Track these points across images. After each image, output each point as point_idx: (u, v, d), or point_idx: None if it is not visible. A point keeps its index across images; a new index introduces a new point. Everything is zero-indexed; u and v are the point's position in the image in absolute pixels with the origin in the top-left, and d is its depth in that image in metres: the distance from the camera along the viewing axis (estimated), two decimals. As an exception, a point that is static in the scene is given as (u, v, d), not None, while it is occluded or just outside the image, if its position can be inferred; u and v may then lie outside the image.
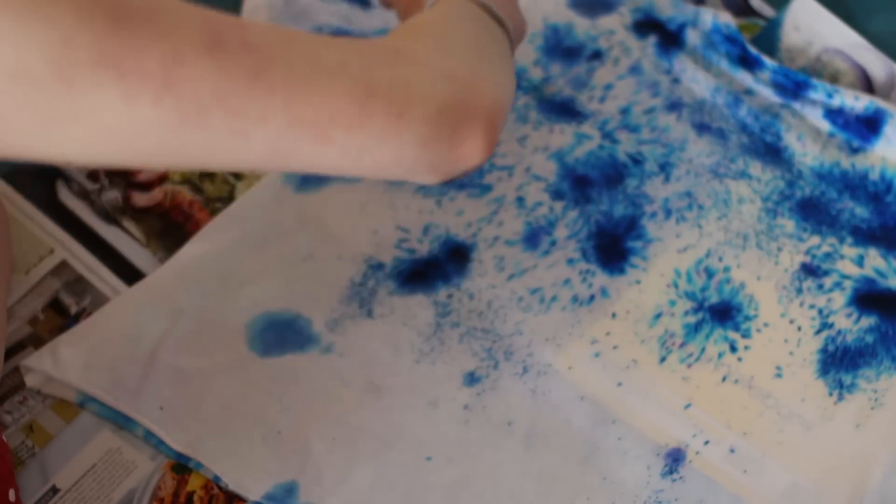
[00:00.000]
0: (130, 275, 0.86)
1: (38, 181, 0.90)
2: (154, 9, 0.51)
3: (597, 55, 0.98)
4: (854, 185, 0.92)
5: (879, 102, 0.94)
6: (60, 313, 0.84)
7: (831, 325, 0.86)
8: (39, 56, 0.49)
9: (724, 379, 0.83)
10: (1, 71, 0.48)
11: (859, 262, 0.89)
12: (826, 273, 0.88)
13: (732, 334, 0.85)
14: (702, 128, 0.94)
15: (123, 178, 0.91)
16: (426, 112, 0.58)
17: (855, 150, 0.94)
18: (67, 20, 0.49)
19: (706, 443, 0.81)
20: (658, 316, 0.85)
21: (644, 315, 0.85)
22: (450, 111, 0.59)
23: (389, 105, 0.57)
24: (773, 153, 0.94)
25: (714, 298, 0.86)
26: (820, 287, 0.87)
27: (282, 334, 0.83)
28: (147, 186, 0.90)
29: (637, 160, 0.92)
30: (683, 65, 0.97)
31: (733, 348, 0.84)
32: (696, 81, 0.96)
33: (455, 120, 0.59)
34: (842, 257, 0.89)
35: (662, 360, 0.84)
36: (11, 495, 0.73)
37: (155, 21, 0.51)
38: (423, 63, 0.60)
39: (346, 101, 0.55)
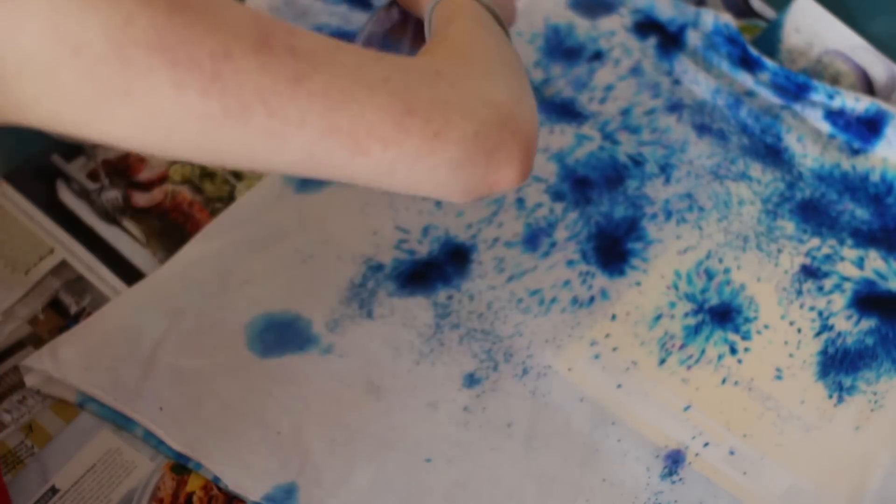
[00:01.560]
0: (130, 275, 0.86)
1: (38, 181, 0.90)
2: (209, 4, 0.54)
3: (597, 56, 0.98)
4: (854, 186, 0.92)
5: (880, 104, 0.94)
6: (60, 313, 0.84)
7: (831, 328, 0.86)
8: (101, 32, 0.51)
9: (723, 381, 0.83)
10: (64, 45, 0.51)
11: (859, 263, 0.88)
12: (826, 275, 0.88)
13: (732, 336, 0.85)
14: (702, 129, 0.94)
15: (123, 178, 0.90)
16: (463, 134, 0.59)
17: (855, 152, 0.94)
18: (129, 1, 0.51)
19: (706, 444, 0.81)
20: (658, 318, 0.85)
21: (644, 317, 0.85)
22: (487, 136, 0.60)
23: (426, 124, 0.58)
24: (773, 155, 0.93)
25: (714, 300, 0.86)
26: (820, 289, 0.87)
27: (282, 335, 0.83)
28: (147, 186, 0.90)
29: (637, 161, 0.92)
30: (684, 66, 0.97)
31: (733, 350, 0.84)
32: (697, 83, 0.96)
33: (492, 144, 0.60)
34: (842, 259, 0.89)
35: (662, 361, 0.84)
36: None
37: (209, 15, 0.53)
38: (463, 87, 0.61)
39: (384, 116, 0.57)
